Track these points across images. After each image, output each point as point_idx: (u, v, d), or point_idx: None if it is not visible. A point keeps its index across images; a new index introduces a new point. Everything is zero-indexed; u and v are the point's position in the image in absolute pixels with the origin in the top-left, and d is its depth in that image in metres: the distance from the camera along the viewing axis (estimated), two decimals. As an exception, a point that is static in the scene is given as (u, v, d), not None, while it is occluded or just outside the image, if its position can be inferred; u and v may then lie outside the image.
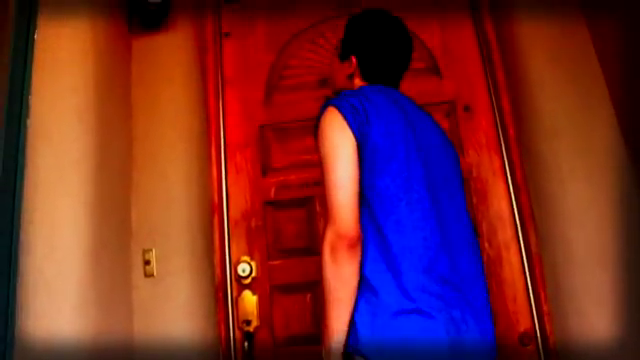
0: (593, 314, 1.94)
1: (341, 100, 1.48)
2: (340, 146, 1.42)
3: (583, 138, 2.09)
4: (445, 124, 2.30)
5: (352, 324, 1.35)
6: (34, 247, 1.59)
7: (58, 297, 1.57)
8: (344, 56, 1.70)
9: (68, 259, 1.64)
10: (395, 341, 1.31)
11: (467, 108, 2.37)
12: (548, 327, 2.04)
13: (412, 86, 1.71)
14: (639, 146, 1.97)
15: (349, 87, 1.67)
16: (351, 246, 1.34)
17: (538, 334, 2.10)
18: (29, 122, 1.66)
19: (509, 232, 2.21)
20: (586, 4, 2.19)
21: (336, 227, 1.35)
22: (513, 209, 2.24)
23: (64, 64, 1.77)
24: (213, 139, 2.35)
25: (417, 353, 1.30)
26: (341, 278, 1.34)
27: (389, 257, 1.37)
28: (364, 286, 1.37)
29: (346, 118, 1.44)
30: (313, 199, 2.31)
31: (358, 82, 1.67)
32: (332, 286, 1.35)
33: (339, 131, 1.44)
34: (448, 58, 2.43)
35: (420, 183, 1.45)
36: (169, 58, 2.29)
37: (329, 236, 1.36)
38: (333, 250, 1.35)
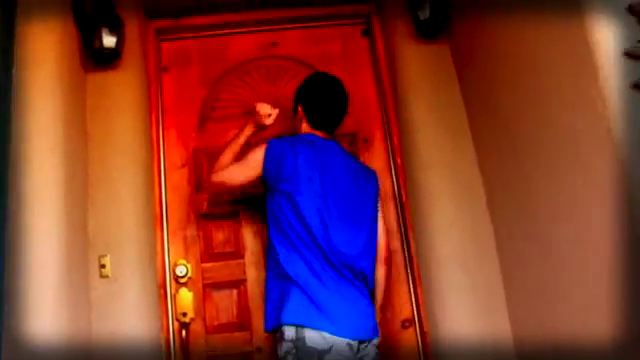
0: (454, 306, 2.43)
1: (275, 140, 2.17)
2: (251, 161, 2.16)
3: (450, 169, 2.55)
4: (348, 153, 2.78)
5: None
6: (21, 258, 1.89)
7: (39, 299, 1.89)
8: (295, 107, 2.29)
9: (45, 268, 1.95)
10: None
11: (366, 140, 2.86)
12: (423, 315, 2.56)
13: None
14: (490, 178, 2.47)
15: (299, 130, 2.28)
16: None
17: (416, 320, 2.61)
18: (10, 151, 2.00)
19: (396, 241, 2.70)
20: (459, 65, 2.67)
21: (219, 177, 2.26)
22: (400, 223, 2.74)
23: (37, 106, 2.07)
24: (155, 161, 2.69)
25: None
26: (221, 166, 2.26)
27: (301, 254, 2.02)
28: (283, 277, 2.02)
29: (267, 151, 2.11)
30: (238, 212, 2.72)
31: (305, 126, 2.27)
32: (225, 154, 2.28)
33: (255, 156, 2.16)
34: (351, 99, 2.77)
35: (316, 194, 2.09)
36: (120, 92, 2.55)
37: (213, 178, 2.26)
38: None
